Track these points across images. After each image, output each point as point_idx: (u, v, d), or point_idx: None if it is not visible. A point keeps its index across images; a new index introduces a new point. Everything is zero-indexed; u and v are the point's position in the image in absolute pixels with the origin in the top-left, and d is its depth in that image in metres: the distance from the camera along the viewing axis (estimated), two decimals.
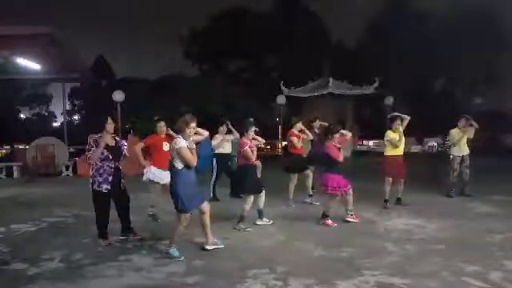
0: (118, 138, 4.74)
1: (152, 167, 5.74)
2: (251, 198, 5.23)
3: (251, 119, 7.73)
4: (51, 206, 6.92)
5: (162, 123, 5.82)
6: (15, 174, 12.00)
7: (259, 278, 3.51)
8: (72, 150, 14.11)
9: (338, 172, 5.36)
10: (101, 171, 4.42)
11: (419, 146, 24.80)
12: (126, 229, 4.78)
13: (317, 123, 7.70)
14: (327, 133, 5.52)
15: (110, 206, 4.59)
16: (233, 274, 3.59)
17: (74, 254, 4.22)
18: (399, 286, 3.31)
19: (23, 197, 8.21)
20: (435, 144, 24.85)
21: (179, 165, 3.95)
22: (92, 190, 4.47)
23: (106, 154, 4.41)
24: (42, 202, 7.55)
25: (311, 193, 6.86)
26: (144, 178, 5.78)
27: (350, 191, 5.41)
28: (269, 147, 20.72)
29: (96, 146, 4.37)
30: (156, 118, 6.04)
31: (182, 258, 3.99)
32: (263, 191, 5.34)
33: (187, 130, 4.00)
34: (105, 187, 4.41)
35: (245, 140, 5.33)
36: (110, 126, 4.54)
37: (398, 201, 6.60)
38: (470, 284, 3.34)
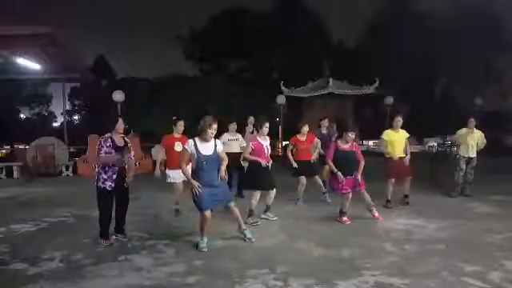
0: (126, 139, 4.76)
1: (167, 170, 5.83)
2: (258, 193, 5.36)
3: (251, 117, 7.77)
4: (51, 206, 6.91)
5: (182, 122, 5.88)
6: (15, 174, 11.99)
7: (259, 278, 3.51)
8: (72, 149, 14.12)
9: (344, 175, 5.31)
10: (106, 169, 4.45)
11: (419, 146, 24.83)
12: (119, 229, 4.77)
13: (325, 122, 7.74)
14: (340, 129, 5.53)
15: (113, 204, 4.60)
16: (233, 274, 3.59)
17: (74, 253, 4.22)
18: (399, 286, 3.31)
19: (23, 197, 8.21)
20: (435, 144, 24.87)
21: (192, 165, 4.17)
22: (96, 187, 4.49)
23: (113, 153, 4.44)
24: (42, 202, 7.54)
25: (300, 197, 6.80)
26: (167, 181, 5.90)
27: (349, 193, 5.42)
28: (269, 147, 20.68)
29: (106, 146, 4.41)
30: (174, 117, 6.08)
31: (205, 249, 4.21)
32: (274, 189, 5.48)
33: (209, 131, 4.14)
34: (109, 185, 4.44)
35: (256, 137, 5.47)
36: (120, 126, 4.59)
37: (406, 197, 6.59)
38: (469, 284, 3.34)
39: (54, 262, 4.01)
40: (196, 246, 4.32)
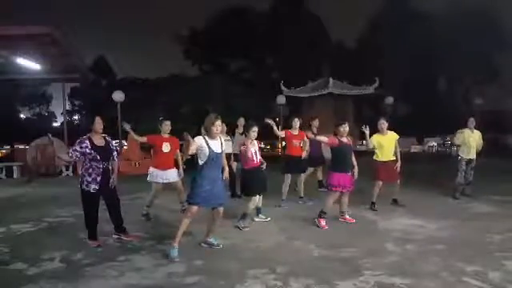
0: (108, 138, 4.66)
1: (151, 168, 5.74)
2: (256, 198, 5.31)
3: (241, 119, 7.80)
4: (51, 206, 6.91)
5: (168, 122, 5.80)
6: (15, 174, 12.00)
7: (259, 278, 3.51)
8: None
9: (342, 170, 5.22)
10: (89, 171, 4.37)
11: (419, 146, 24.82)
12: (118, 228, 4.74)
13: (316, 122, 7.75)
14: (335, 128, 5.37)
15: (99, 206, 4.53)
16: (233, 274, 3.59)
17: (74, 253, 4.22)
18: (399, 286, 3.31)
19: (23, 197, 8.21)
20: (435, 144, 24.88)
21: (200, 160, 4.09)
22: (80, 190, 4.43)
23: (93, 154, 4.36)
24: (42, 201, 7.54)
25: (302, 195, 6.84)
26: (148, 179, 5.79)
27: (347, 191, 5.35)
28: (269, 147, 20.74)
29: (83, 147, 4.34)
30: (161, 118, 6.00)
31: (177, 259, 3.96)
32: (263, 193, 5.49)
33: (213, 129, 4.08)
34: (93, 187, 4.36)
35: (245, 141, 5.38)
36: (98, 125, 4.49)
37: (395, 201, 6.52)
38: (469, 284, 3.34)
39: (54, 262, 4.01)
40: (167, 255, 4.06)
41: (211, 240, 4.41)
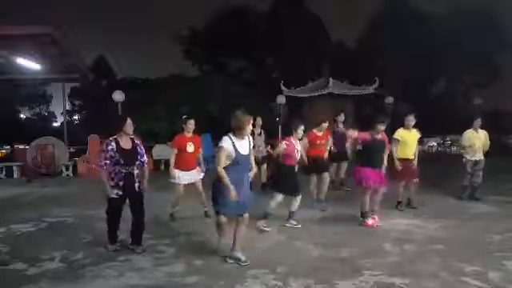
0: (137, 141, 4.35)
1: (176, 170, 5.55)
2: (279, 197, 5.16)
3: (259, 118, 7.67)
4: (51, 206, 6.91)
5: (192, 121, 5.63)
6: (15, 174, 11.99)
7: (259, 277, 3.51)
8: (72, 149, 14.12)
9: (372, 166, 5.16)
10: (112, 175, 4.13)
11: (419, 146, 24.82)
12: (134, 241, 4.32)
13: (341, 117, 7.72)
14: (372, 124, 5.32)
15: (122, 211, 4.31)
16: (233, 274, 3.60)
17: (74, 253, 4.22)
18: (399, 286, 3.31)
19: (23, 197, 8.21)
20: (435, 144, 24.87)
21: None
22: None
23: (117, 157, 4.10)
24: (42, 201, 7.54)
25: (323, 198, 6.44)
26: (171, 181, 5.66)
27: (381, 190, 5.27)
28: (269, 147, 20.69)
29: (110, 151, 4.07)
30: (184, 116, 5.84)
31: (245, 260, 3.86)
32: (298, 196, 5.22)
33: (248, 128, 3.71)
34: (115, 192, 4.12)
35: (290, 138, 5.23)
36: (129, 127, 4.19)
37: (409, 201, 6.42)
38: (469, 284, 3.35)
39: (54, 262, 4.02)
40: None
41: (238, 255, 3.90)
